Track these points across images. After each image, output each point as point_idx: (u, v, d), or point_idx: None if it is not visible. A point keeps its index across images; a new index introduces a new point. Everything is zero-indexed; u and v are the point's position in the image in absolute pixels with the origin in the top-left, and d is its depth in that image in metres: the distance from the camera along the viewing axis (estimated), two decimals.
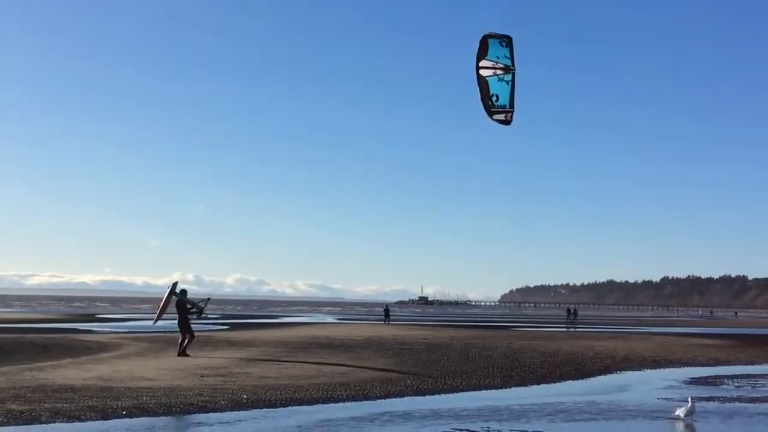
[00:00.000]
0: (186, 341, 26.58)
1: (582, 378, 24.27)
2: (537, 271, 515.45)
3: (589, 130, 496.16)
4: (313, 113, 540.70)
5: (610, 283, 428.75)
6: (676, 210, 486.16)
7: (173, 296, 27.36)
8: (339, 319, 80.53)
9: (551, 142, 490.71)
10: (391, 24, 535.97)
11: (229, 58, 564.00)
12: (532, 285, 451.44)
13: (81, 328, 50.56)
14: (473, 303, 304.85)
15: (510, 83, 13.65)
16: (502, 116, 13.77)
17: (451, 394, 19.60)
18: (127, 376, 20.50)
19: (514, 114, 13.93)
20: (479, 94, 13.68)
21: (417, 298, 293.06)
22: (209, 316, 28.73)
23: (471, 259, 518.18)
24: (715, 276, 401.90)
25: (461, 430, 14.35)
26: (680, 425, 15.58)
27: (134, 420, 14.70)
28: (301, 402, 17.32)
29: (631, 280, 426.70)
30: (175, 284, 27.51)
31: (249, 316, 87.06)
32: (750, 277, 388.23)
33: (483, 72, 13.66)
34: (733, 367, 29.13)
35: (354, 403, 17.63)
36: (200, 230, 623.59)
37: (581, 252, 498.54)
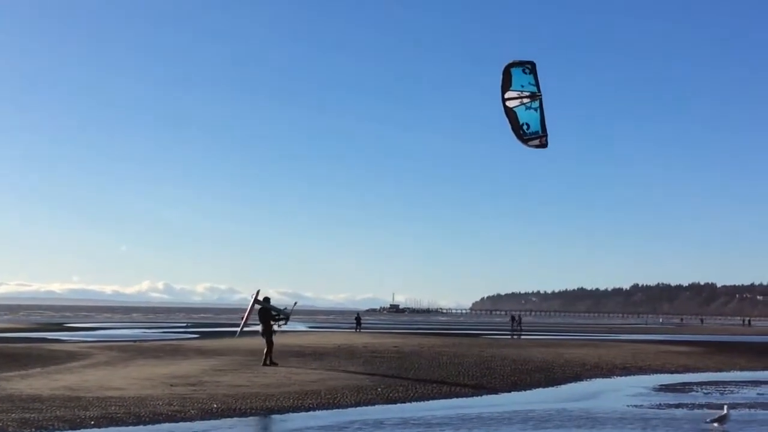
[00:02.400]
0: (267, 350, 26.33)
1: (553, 385, 24.35)
2: (508, 278, 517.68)
3: (561, 138, 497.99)
4: (283, 120, 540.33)
5: (581, 291, 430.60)
6: (646, 218, 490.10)
7: (257, 304, 26.97)
8: (310, 327, 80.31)
9: (522, 151, 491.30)
10: (354, 27, 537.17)
11: (200, 62, 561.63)
12: (503, 293, 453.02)
13: (49, 337, 50.10)
14: (444, 311, 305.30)
15: (538, 109, 13.81)
16: (536, 141, 13.93)
17: (422, 402, 19.59)
18: (96, 385, 20.33)
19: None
20: (509, 125, 13.84)
21: (388, 306, 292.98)
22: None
23: (442, 267, 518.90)
24: (685, 283, 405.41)
25: None
26: None
27: (103, 430, 14.59)
28: (271, 411, 17.27)
29: (602, 288, 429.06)
30: (257, 292, 27.17)
31: (219, 324, 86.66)
32: (719, 285, 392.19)
33: (509, 103, 13.82)
34: (702, 374, 29.35)
35: (325, 411, 17.60)
36: (170, 238, 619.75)
37: (552, 260, 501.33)
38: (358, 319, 69.01)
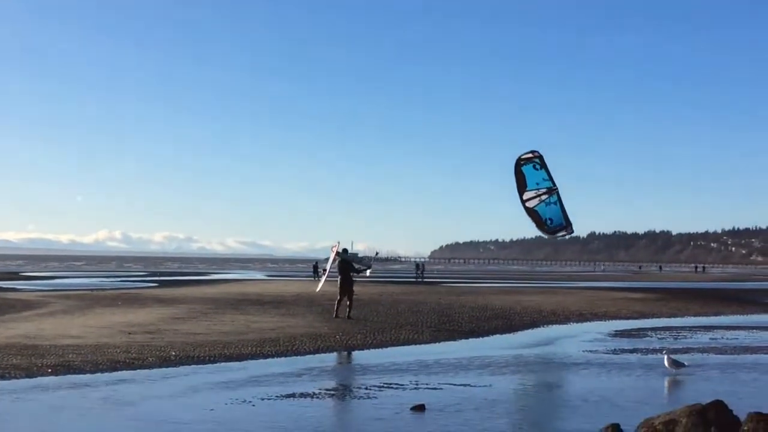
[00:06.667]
0: (348, 303, 25.85)
1: (510, 332, 24.59)
2: (466, 227, 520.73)
3: (517, 85, 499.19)
4: (240, 71, 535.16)
5: (539, 239, 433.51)
6: (601, 167, 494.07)
7: (337, 257, 26.67)
8: (269, 276, 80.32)
9: (480, 99, 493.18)
10: None
11: (168, 24, 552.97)
12: (461, 241, 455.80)
13: (5, 286, 49.53)
14: (403, 259, 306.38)
15: (557, 202, 14.03)
16: (563, 232, 14.27)
17: (381, 349, 19.70)
18: (53, 334, 20.22)
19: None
20: (534, 224, 14.11)
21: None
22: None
23: (401, 216, 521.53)
24: (641, 231, 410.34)
25: (390, 383, 14.41)
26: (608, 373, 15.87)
27: (60, 378, 14.51)
28: (230, 358, 17.29)
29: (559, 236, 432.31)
30: (338, 243, 26.88)
31: (178, 273, 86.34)
32: (674, 233, 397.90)
33: (529, 203, 14.15)
34: (656, 319, 29.78)
35: (283, 359, 17.65)
36: (127, 187, 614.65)
37: (510, 209, 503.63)
38: (315, 268, 68.97)
